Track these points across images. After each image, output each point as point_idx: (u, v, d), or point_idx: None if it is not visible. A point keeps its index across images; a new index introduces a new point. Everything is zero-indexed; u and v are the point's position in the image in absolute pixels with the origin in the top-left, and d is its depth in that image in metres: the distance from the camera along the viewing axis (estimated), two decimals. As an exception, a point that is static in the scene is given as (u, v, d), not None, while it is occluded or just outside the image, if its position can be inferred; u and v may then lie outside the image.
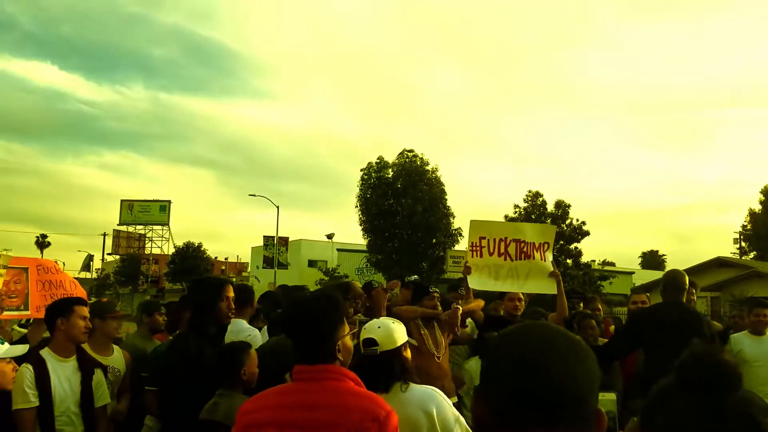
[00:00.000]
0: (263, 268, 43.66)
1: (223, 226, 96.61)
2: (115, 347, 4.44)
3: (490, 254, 5.34)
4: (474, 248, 5.38)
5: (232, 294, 3.72)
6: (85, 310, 3.76)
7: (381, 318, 2.89)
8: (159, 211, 57.92)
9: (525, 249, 5.36)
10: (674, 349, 4.08)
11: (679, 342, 4.04)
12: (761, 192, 47.73)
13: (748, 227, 48.18)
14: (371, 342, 2.59)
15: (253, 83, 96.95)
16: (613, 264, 49.50)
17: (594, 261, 39.02)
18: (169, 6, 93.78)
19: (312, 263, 45.56)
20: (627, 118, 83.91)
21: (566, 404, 1.00)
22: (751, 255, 46.00)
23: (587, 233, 36.86)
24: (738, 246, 48.36)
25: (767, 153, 78.30)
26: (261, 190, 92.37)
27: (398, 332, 2.66)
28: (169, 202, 58.30)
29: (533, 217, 37.55)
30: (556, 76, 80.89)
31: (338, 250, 45.83)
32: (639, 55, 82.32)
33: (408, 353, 2.72)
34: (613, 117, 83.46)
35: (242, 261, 68.68)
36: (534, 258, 5.35)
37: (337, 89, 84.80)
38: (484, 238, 5.37)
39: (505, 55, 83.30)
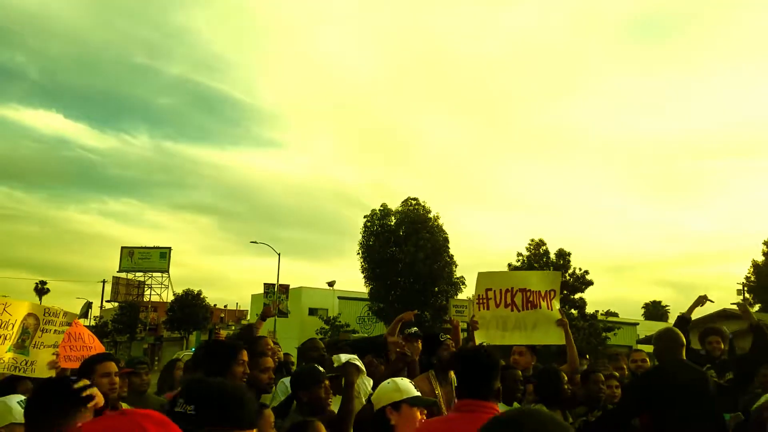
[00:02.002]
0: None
1: (224, 273, 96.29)
2: (125, 406, 4.14)
3: (497, 306, 5.27)
4: (481, 301, 5.32)
5: (246, 358, 3.58)
6: (108, 366, 3.59)
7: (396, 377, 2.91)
8: (159, 257, 57.81)
9: (531, 298, 5.28)
10: (685, 416, 3.93)
11: (690, 407, 3.94)
12: (764, 243, 47.69)
13: (752, 279, 47.88)
14: (369, 401, 2.70)
15: (257, 132, 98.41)
16: (616, 315, 48.92)
17: (598, 311, 38.56)
18: (177, 57, 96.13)
19: (313, 311, 45.12)
20: (627, 167, 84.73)
21: None
22: (756, 307, 45.55)
23: (591, 282, 36.60)
24: (742, 298, 47.96)
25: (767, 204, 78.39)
26: (262, 237, 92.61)
27: (386, 393, 2.66)
28: (170, 248, 58.28)
29: (536, 265, 37.35)
30: (556, 126, 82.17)
31: (339, 298, 45.44)
32: (638, 105, 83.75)
33: (405, 413, 2.65)
34: (613, 166, 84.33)
35: (242, 308, 68.10)
36: (540, 307, 5.26)
37: (341, 138, 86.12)
38: (491, 289, 5.31)
39: (505, 104, 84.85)
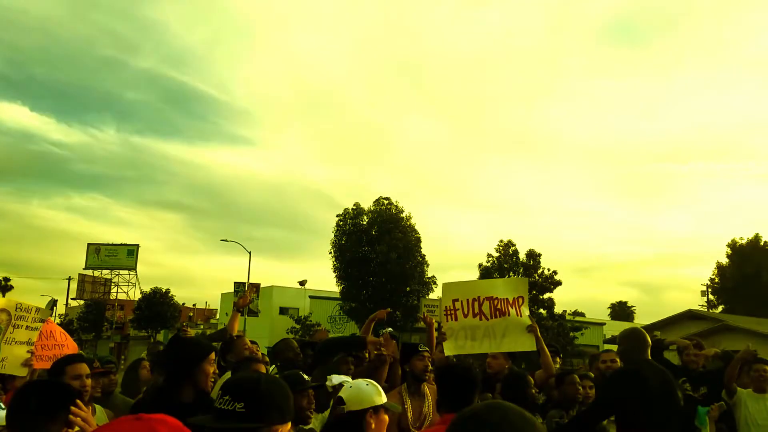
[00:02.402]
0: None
1: (193, 272, 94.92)
2: (98, 407, 3.97)
3: (465, 316, 5.25)
4: (448, 312, 5.29)
5: (214, 357, 3.43)
6: (79, 368, 3.47)
7: (358, 379, 2.84)
8: (126, 255, 56.80)
9: (499, 306, 5.26)
10: (653, 416, 3.97)
11: (658, 407, 3.98)
12: (728, 246, 48.90)
13: (716, 280, 49.06)
14: (339, 400, 2.58)
15: (228, 128, 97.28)
16: (583, 315, 49.65)
17: (566, 311, 39.11)
18: (146, 51, 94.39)
19: (283, 311, 44.83)
20: (597, 170, 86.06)
21: None
22: (720, 308, 46.69)
23: (559, 283, 37.07)
24: (706, 299, 49.13)
25: (734, 207, 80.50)
26: (233, 235, 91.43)
27: (368, 394, 2.61)
28: (137, 246, 57.30)
29: (505, 266, 37.71)
30: (529, 127, 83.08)
31: (310, 297, 45.24)
32: (608, 109, 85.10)
33: (382, 419, 2.63)
34: (584, 169, 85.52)
35: (211, 308, 67.30)
36: (509, 314, 5.24)
37: (313, 136, 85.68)
38: (458, 300, 5.29)
39: (479, 105, 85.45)
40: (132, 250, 57.16)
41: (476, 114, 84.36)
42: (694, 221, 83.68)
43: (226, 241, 43.11)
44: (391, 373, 4.70)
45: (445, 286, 5.45)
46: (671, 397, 4.16)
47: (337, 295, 38.28)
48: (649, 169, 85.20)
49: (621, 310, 75.18)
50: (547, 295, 36.77)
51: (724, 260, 48.87)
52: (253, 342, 5.45)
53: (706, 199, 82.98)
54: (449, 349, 5.07)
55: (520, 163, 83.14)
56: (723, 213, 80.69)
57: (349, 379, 3.63)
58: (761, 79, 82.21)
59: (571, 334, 35.19)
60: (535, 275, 36.95)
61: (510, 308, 5.25)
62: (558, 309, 37.51)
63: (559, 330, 34.40)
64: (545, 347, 5.21)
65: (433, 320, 5.59)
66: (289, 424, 1.78)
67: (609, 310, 75.74)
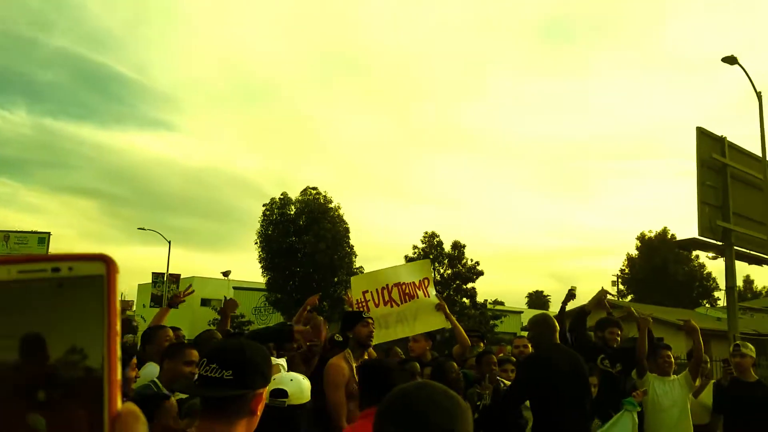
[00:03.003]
0: (150, 306, 41.39)
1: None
2: None
3: (376, 306, 5.38)
4: (360, 305, 5.39)
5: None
6: None
7: (293, 373, 2.88)
8: (37, 243, 53.60)
9: (407, 290, 5.44)
10: (564, 398, 4.22)
11: (568, 389, 4.23)
12: (637, 238, 51.82)
13: (626, 271, 51.90)
14: (281, 393, 2.54)
15: (149, 112, 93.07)
16: (502, 303, 51.40)
17: (487, 300, 40.41)
18: (61, 29, 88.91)
19: (206, 302, 43.77)
20: (519, 165, 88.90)
21: None
22: (629, 297, 49.43)
23: (481, 273, 38.21)
24: (616, 289, 51.93)
25: (644, 202, 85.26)
26: (152, 224, 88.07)
27: (307, 389, 2.66)
28: (49, 234, 54.07)
29: (431, 257, 38.45)
30: (456, 123, 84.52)
31: (234, 288, 44.33)
32: (531, 107, 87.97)
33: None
34: (505, 163, 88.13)
35: (127, 299, 64.77)
36: (418, 297, 5.43)
37: (240, 124, 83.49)
38: (367, 291, 5.41)
39: (407, 98, 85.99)
40: (43, 238, 53.95)
41: (407, 108, 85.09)
42: (608, 215, 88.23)
43: (143, 229, 41.55)
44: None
45: (353, 279, 5.58)
46: (580, 379, 4.39)
47: (263, 286, 37.76)
48: (567, 165, 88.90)
49: (537, 299, 78.27)
50: (469, 285, 37.81)
51: (634, 252, 51.79)
52: (176, 329, 5.31)
53: (619, 195, 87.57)
54: None
55: (447, 157, 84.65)
56: (634, 208, 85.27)
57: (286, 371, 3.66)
58: (672, 80, 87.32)
59: (492, 322, 36.41)
60: (459, 266, 37.93)
61: (417, 291, 5.43)
62: (480, 298, 38.75)
63: (480, 318, 35.52)
64: (457, 323, 5.44)
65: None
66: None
67: (527, 299, 78.79)
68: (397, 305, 5.37)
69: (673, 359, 5.78)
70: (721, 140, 16.25)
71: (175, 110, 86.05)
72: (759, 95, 15.99)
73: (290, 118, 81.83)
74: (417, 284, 5.47)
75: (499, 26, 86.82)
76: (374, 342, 5.24)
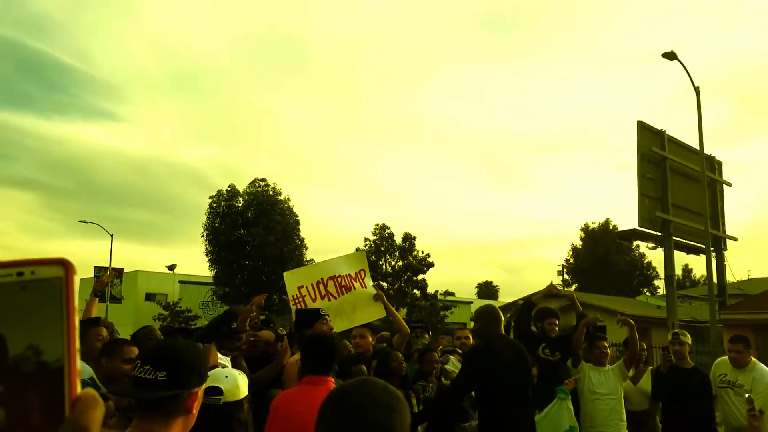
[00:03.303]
0: (94, 301, 40.11)
1: (48, 255, 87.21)
2: None
3: (313, 300, 5.28)
4: (296, 301, 5.28)
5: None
6: None
7: (228, 368, 2.81)
8: (-31, 237, 51.33)
9: (344, 283, 5.37)
10: (508, 389, 4.20)
11: (513, 380, 4.23)
12: (581, 229, 53.29)
13: (571, 261, 53.36)
14: (216, 391, 2.50)
15: (91, 102, 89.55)
16: (453, 294, 52.08)
17: (437, 291, 40.83)
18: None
19: (150, 297, 42.72)
20: (468, 157, 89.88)
21: None
22: (574, 287, 50.84)
23: (432, 264, 38.55)
24: (562, 278, 53.31)
25: (588, 194, 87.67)
26: (94, 216, 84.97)
27: (243, 385, 2.62)
28: (-17, 227, 51.98)
29: (382, 249, 38.56)
30: (406, 113, 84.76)
31: (180, 282, 43.43)
32: (477, 98, 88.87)
33: (247, 408, 2.67)
34: (456, 156, 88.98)
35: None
36: (355, 289, 5.38)
37: (186, 114, 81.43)
38: (302, 286, 5.31)
39: (357, 89, 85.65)
40: (-25, 233, 51.67)
41: (355, 98, 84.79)
42: (553, 207, 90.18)
43: (85, 222, 40.04)
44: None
45: (287, 275, 5.45)
46: (524, 369, 4.40)
47: (210, 280, 37.07)
48: (513, 157, 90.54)
49: (487, 290, 79.67)
50: (420, 277, 38.09)
51: (579, 243, 53.26)
52: (108, 324, 5.03)
53: (564, 187, 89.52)
54: None
55: (397, 148, 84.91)
56: (579, 199, 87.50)
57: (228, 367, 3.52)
58: (617, 75, 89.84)
59: (442, 312, 36.81)
60: (410, 257, 38.15)
61: (354, 282, 5.38)
62: (431, 289, 39.12)
63: (431, 309, 35.85)
64: (395, 312, 5.39)
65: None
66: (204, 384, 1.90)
67: (476, 290, 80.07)
68: (334, 298, 5.29)
69: (608, 350, 5.90)
70: (660, 134, 16.79)
71: (119, 99, 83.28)
72: (697, 90, 16.53)
73: (236, 107, 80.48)
74: (353, 276, 5.39)
75: (442, 17, 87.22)
76: None
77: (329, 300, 5.25)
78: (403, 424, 1.35)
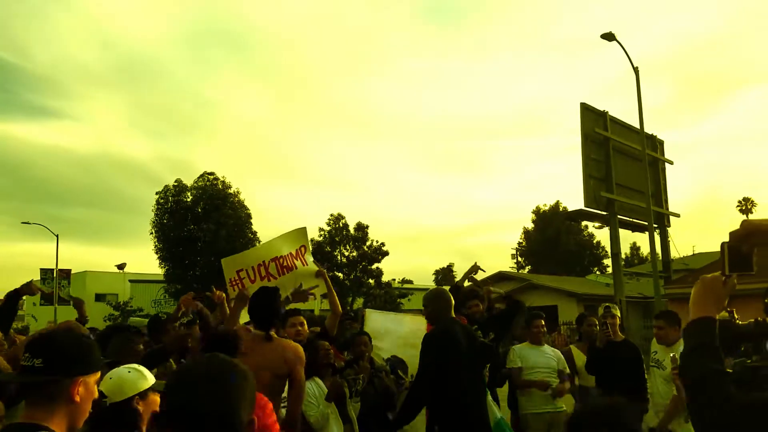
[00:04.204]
0: (41, 305, 38.67)
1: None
2: None
3: (252, 281, 5.08)
4: (234, 283, 5.09)
5: None
6: None
7: (119, 367, 2.69)
8: None
9: (285, 263, 5.22)
10: (462, 372, 4.14)
11: (466, 363, 4.18)
12: (533, 212, 54.32)
13: (524, 244, 54.36)
14: (101, 393, 2.44)
15: (29, 98, 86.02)
16: (411, 282, 52.39)
17: (395, 280, 40.99)
18: None
19: (100, 297, 41.53)
20: (419, 145, 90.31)
21: (207, 420, 1.31)
22: (527, 269, 51.84)
23: (386, 253, 38.62)
24: (515, 261, 54.29)
25: (539, 178, 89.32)
26: (39, 217, 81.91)
27: (132, 382, 2.51)
28: None
29: (336, 239, 38.42)
30: (356, 102, 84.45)
31: (131, 281, 42.41)
32: (428, 86, 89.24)
33: (151, 401, 2.53)
34: (409, 143, 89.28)
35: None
36: (296, 267, 5.25)
37: (129, 107, 78.92)
38: (241, 270, 5.16)
39: (305, 78, 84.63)
40: None
41: (303, 86, 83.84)
42: (505, 192, 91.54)
43: (28, 223, 38.48)
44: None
45: (224, 261, 5.26)
46: (476, 352, 4.37)
47: (162, 278, 36.25)
48: (463, 144, 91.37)
49: (445, 276, 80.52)
50: (375, 266, 38.14)
51: (530, 226, 54.28)
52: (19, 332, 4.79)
53: (515, 172, 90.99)
54: (245, 318, 4.88)
55: (347, 137, 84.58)
56: (531, 183, 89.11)
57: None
58: (561, 60, 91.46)
59: (399, 300, 36.99)
60: (364, 247, 38.14)
61: (295, 261, 5.23)
62: (388, 278, 39.24)
63: (386, 297, 35.98)
64: (333, 291, 5.24)
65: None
66: (98, 374, 1.95)
67: (434, 276, 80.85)
68: (275, 278, 5.13)
69: (545, 329, 6.00)
70: (603, 115, 17.17)
71: (58, 94, 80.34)
72: (636, 70, 16.93)
73: (181, 100, 78.68)
74: (294, 254, 5.23)
75: (388, 4, 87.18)
76: None
77: (268, 281, 5.08)
78: (238, 398, 1.37)
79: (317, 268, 5.25)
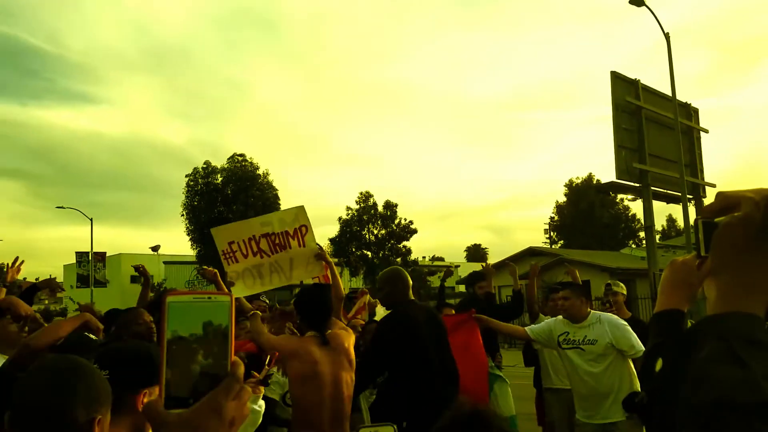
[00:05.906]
0: (78, 287, 39.68)
1: (33, 243, 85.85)
2: None
3: (245, 256, 4.91)
4: (227, 256, 4.90)
5: None
6: None
7: None
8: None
9: (278, 241, 4.98)
10: (433, 362, 3.89)
11: (430, 342, 3.88)
12: (565, 185, 53.27)
13: (556, 219, 53.45)
14: None
15: (65, 85, 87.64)
16: (442, 259, 52.10)
17: (424, 257, 40.81)
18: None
19: (135, 279, 42.29)
20: (449, 121, 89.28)
21: (47, 418, 1.38)
22: (559, 244, 51.03)
23: (415, 231, 38.38)
24: (548, 236, 53.49)
25: (571, 150, 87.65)
26: (76, 201, 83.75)
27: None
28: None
29: (365, 218, 38.31)
30: (384, 81, 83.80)
31: (165, 263, 43.06)
32: (461, 62, 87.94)
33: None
34: (437, 121, 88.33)
35: (58, 281, 62.00)
36: (291, 247, 5.04)
37: (161, 91, 79.86)
38: (234, 242, 4.98)
39: (333, 59, 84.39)
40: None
41: (331, 68, 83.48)
42: (536, 166, 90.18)
43: (62, 208, 39.31)
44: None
45: (214, 231, 5.08)
46: (441, 336, 4.13)
47: (194, 259, 36.73)
48: (492, 119, 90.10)
49: (476, 252, 79.95)
50: (404, 244, 37.97)
51: (563, 200, 53.29)
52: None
53: (546, 145, 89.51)
54: (240, 291, 4.68)
55: (375, 116, 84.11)
56: (562, 156, 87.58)
57: None
58: (591, 30, 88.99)
59: (427, 278, 36.80)
60: (393, 225, 37.96)
61: (291, 240, 5.01)
62: (416, 255, 39.08)
63: (414, 275, 35.85)
64: (336, 274, 5.01)
65: None
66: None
67: (465, 253, 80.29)
68: (268, 256, 4.95)
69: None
70: (635, 83, 16.48)
71: (92, 80, 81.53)
72: (667, 36, 16.20)
73: (212, 83, 79.05)
74: (291, 233, 5.02)
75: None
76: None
77: (261, 257, 4.93)
78: (89, 398, 1.45)
79: (317, 251, 5.00)
